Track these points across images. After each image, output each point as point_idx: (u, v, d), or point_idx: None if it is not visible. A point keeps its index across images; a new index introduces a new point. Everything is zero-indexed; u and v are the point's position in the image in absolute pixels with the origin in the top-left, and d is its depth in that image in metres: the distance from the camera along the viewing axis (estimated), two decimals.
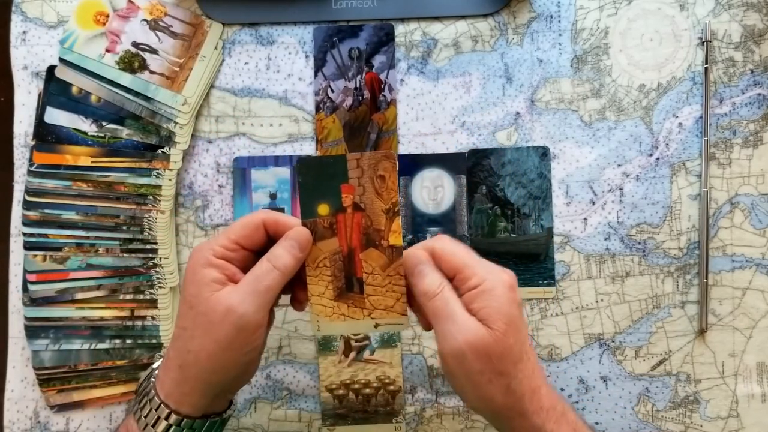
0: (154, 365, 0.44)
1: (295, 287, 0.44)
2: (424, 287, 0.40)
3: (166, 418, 0.40)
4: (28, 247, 0.54)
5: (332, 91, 0.56)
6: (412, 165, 0.56)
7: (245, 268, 0.41)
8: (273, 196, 0.56)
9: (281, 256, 0.41)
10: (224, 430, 0.44)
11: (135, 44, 0.55)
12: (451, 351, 0.38)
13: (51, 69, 0.54)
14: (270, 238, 0.42)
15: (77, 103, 0.54)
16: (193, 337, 0.40)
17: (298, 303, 0.44)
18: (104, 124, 0.54)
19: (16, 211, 0.55)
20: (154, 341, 0.55)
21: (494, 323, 0.38)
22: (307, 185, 0.42)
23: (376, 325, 0.43)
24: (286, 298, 0.44)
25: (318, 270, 0.43)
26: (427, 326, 0.42)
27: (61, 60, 0.54)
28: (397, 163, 0.42)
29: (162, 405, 0.40)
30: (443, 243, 0.42)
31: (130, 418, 0.42)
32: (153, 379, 0.42)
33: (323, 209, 0.42)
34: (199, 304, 0.40)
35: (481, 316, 0.38)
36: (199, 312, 0.40)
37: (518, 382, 0.39)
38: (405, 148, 0.56)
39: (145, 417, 0.41)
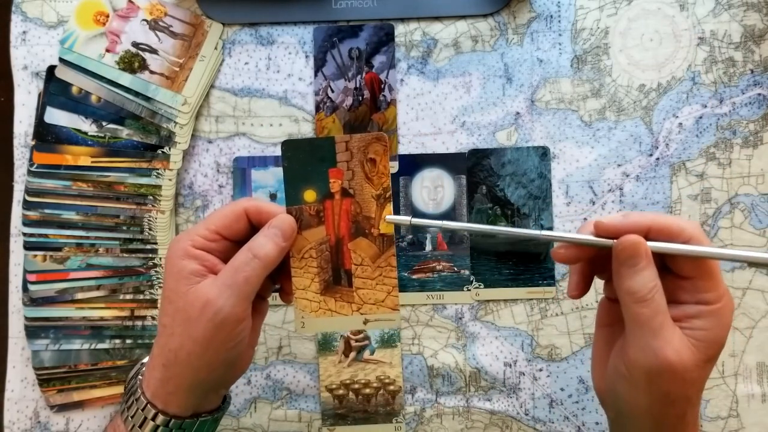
0: (143, 360, 0.41)
1: (282, 279, 0.41)
2: (634, 286, 0.35)
3: (153, 419, 0.38)
4: (28, 247, 0.54)
5: (332, 91, 0.56)
6: (412, 165, 0.56)
7: (227, 260, 0.38)
8: (273, 196, 0.56)
9: (263, 245, 0.38)
10: (225, 431, 0.43)
11: (135, 44, 0.55)
12: (647, 366, 0.34)
13: (51, 69, 0.54)
14: (254, 228, 0.40)
15: (77, 103, 0.54)
16: (173, 335, 0.38)
17: (285, 294, 0.42)
18: (104, 124, 0.54)
19: (16, 211, 0.55)
20: (154, 341, 0.54)
21: (705, 351, 0.34)
22: (292, 169, 0.39)
23: (366, 322, 0.40)
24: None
25: (303, 261, 0.40)
26: (578, 293, 0.38)
27: (61, 60, 0.54)
28: (389, 145, 0.40)
29: (148, 405, 0.38)
30: (674, 226, 0.35)
31: (118, 417, 0.40)
32: (140, 377, 0.40)
33: (309, 195, 0.40)
34: (177, 298, 0.37)
35: (695, 337, 0.34)
36: (178, 307, 0.37)
37: (693, 408, 0.36)
38: (405, 148, 0.56)
39: (132, 417, 0.38)
